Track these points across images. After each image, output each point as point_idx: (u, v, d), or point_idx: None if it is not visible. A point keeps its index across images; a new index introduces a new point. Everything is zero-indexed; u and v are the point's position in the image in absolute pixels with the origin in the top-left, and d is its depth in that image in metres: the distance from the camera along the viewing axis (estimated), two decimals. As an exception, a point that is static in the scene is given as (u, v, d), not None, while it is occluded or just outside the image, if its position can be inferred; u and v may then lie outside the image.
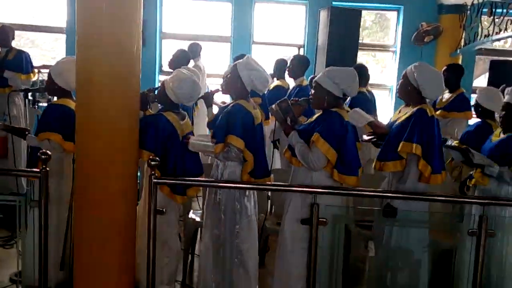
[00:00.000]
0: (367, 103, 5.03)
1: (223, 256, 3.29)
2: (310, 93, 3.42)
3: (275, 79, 6.05)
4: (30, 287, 3.00)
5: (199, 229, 3.72)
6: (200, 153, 3.62)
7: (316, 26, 6.97)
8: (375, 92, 6.28)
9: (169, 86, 3.42)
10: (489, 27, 6.14)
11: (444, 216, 3.61)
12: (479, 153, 3.27)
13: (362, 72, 5.04)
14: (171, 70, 4.97)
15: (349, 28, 6.49)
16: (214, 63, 7.72)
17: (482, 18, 6.54)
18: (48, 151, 2.81)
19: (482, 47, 7.10)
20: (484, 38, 6.29)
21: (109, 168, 2.84)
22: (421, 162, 3.16)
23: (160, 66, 7.91)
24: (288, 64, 5.76)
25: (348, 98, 4.90)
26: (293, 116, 3.33)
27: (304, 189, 3.10)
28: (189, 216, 3.95)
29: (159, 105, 3.72)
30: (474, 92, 6.84)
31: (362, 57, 8.51)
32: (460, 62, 7.07)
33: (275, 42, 8.17)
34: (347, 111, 3.34)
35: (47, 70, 3.74)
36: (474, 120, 4.43)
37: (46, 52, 8.91)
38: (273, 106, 3.34)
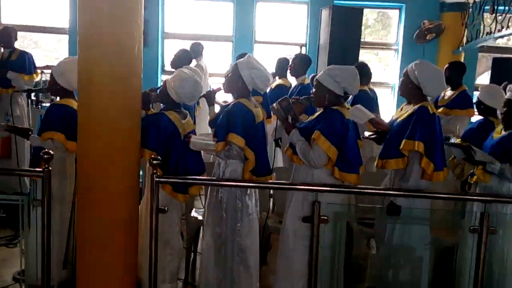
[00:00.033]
0: (369, 101, 5.04)
1: (224, 254, 3.30)
2: (311, 91, 3.43)
3: (277, 78, 6.06)
4: (33, 286, 3.01)
5: (201, 227, 3.73)
6: (202, 152, 3.63)
7: (318, 25, 6.98)
8: (377, 90, 6.27)
9: (170, 85, 3.43)
10: (491, 24, 6.13)
11: (446, 214, 3.61)
12: (481, 150, 3.28)
13: (364, 71, 5.04)
14: (173, 70, 4.97)
15: (351, 26, 6.49)
16: (216, 63, 7.73)
17: (484, 16, 6.54)
18: (50, 151, 2.83)
19: (484, 45, 7.10)
20: (486, 35, 6.29)
21: (111, 168, 2.85)
22: (424, 160, 3.16)
23: (163, 65, 7.94)
24: (290, 63, 5.77)
25: (350, 97, 4.94)
26: (294, 114, 3.34)
27: (306, 187, 3.10)
28: (191, 214, 3.96)
29: (161, 104, 3.74)
30: (477, 90, 6.83)
31: (365, 56, 8.51)
32: (462, 60, 7.06)
33: (277, 41, 8.18)
34: (348, 109, 3.34)
35: (50, 71, 3.76)
36: (476, 118, 4.42)
37: (49, 52, 8.95)
38: (274, 104, 3.35)
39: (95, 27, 2.77)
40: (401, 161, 3.26)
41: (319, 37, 6.86)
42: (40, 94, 5.53)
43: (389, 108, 7.81)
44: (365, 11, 7.19)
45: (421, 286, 3.21)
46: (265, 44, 8.09)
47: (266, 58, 7.40)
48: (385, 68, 8.77)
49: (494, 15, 6.03)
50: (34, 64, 5.61)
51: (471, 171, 3.41)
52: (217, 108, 3.74)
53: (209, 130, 3.84)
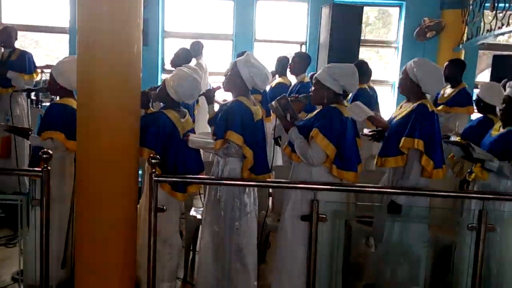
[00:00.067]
0: (368, 99, 5.03)
1: (222, 253, 3.30)
2: (310, 89, 3.43)
3: (277, 76, 6.06)
4: (32, 286, 3.01)
5: (200, 226, 3.74)
6: (202, 151, 3.63)
7: (318, 23, 6.97)
8: (377, 88, 6.28)
9: (170, 84, 3.43)
10: (491, 21, 6.11)
11: (445, 212, 3.61)
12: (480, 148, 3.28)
13: (363, 69, 5.04)
14: (173, 69, 4.98)
15: (351, 24, 6.48)
16: (217, 61, 7.73)
17: (484, 13, 6.51)
18: (49, 151, 2.83)
19: (485, 42, 7.08)
20: (487, 33, 6.27)
21: (110, 167, 2.85)
22: (424, 157, 3.17)
23: (163, 64, 7.94)
24: (290, 61, 5.78)
25: (350, 95, 4.93)
26: (293, 113, 3.34)
27: (305, 185, 3.10)
28: (190, 213, 3.96)
29: (161, 104, 3.74)
30: (477, 87, 6.81)
31: (366, 53, 8.51)
32: (462, 57, 7.05)
33: (277, 40, 8.18)
34: (346, 106, 3.34)
35: (50, 70, 3.76)
36: (476, 115, 4.41)
37: (50, 52, 8.96)
38: (273, 103, 3.35)
39: (95, 26, 2.77)
40: (400, 159, 3.27)
41: (319, 35, 6.86)
42: (40, 93, 5.54)
43: (389, 106, 7.80)
44: (366, 9, 7.19)
45: (420, 284, 3.21)
46: (265, 42, 8.09)
47: (266, 56, 7.41)
48: (386, 66, 8.76)
49: (494, 12, 6.01)
50: (34, 63, 5.61)
51: (469, 169, 3.41)
52: (216, 107, 3.75)
53: (208, 129, 3.84)
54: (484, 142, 3.37)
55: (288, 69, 5.86)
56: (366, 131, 3.77)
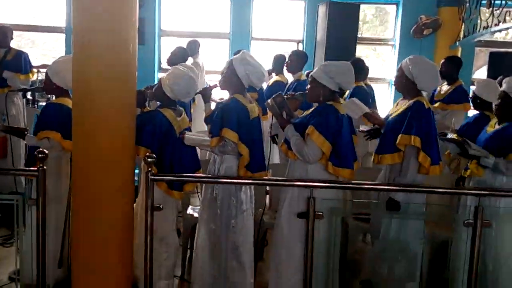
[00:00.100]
0: (365, 96, 5.04)
1: (219, 250, 3.31)
2: (306, 87, 3.43)
3: (273, 74, 6.07)
4: (29, 286, 3.01)
5: (197, 224, 3.74)
6: (198, 150, 3.63)
7: (315, 21, 6.97)
8: (374, 85, 6.29)
9: (166, 83, 3.43)
10: (488, 18, 6.12)
11: (442, 208, 3.62)
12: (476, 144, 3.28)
13: (359, 66, 5.05)
14: (170, 68, 4.98)
15: (348, 22, 6.48)
16: (213, 60, 7.73)
17: (481, 10, 6.52)
18: (45, 150, 2.82)
19: (481, 39, 7.08)
20: (483, 30, 6.27)
21: (106, 167, 2.84)
22: (421, 154, 3.17)
23: (159, 63, 7.94)
24: (287, 59, 5.78)
25: (347, 93, 4.94)
26: (289, 110, 3.34)
27: (302, 183, 3.10)
28: (187, 212, 3.96)
29: (157, 103, 3.74)
30: (473, 84, 6.83)
31: (363, 51, 8.51)
32: (459, 55, 7.06)
33: (274, 38, 8.18)
34: (342, 104, 3.34)
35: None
36: (472, 112, 4.42)
37: (47, 52, 8.95)
38: (269, 100, 3.35)
39: (90, 26, 2.76)
40: (397, 156, 3.28)
41: (316, 33, 6.86)
42: (36, 93, 5.54)
43: (386, 103, 7.81)
44: (363, 6, 7.20)
45: (416, 280, 3.22)
46: (262, 41, 8.09)
47: (263, 55, 7.41)
48: (383, 63, 8.76)
49: (491, 9, 6.02)
50: (30, 63, 5.60)
51: (466, 165, 3.41)
52: (213, 106, 3.75)
53: (205, 127, 3.85)
54: (479, 139, 3.38)
55: (284, 67, 5.85)
56: (363, 127, 3.78)
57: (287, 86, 5.64)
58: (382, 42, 8.51)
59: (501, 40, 8.57)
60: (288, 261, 3.18)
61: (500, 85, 3.77)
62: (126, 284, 3.02)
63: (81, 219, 2.92)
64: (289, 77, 5.89)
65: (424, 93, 3.51)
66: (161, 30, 7.94)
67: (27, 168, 3.43)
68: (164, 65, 7.20)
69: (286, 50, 6.50)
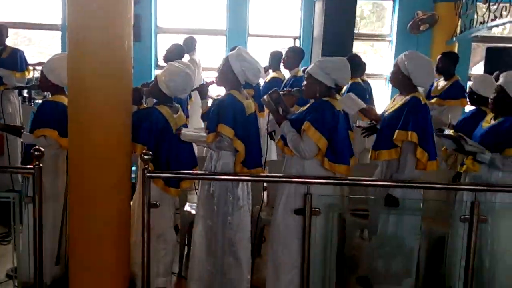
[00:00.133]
0: (362, 92, 5.03)
1: (215, 247, 3.31)
2: (302, 83, 3.43)
3: (270, 71, 6.06)
4: (26, 283, 3.01)
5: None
6: (196, 147, 3.63)
7: (311, 17, 6.95)
8: (372, 81, 6.28)
9: (161, 79, 3.43)
10: (484, 14, 6.12)
11: (442, 204, 3.63)
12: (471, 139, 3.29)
13: (355, 62, 5.03)
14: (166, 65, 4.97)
15: (345, 18, 6.44)
16: (210, 57, 7.71)
17: (477, 5, 6.52)
18: (41, 148, 2.82)
19: (478, 35, 7.08)
20: (480, 25, 6.27)
21: (102, 164, 2.85)
22: (419, 150, 3.18)
23: (156, 60, 7.92)
24: (284, 56, 5.77)
25: (344, 89, 4.94)
26: (285, 106, 3.34)
27: (299, 179, 3.10)
28: (185, 208, 3.96)
29: (154, 100, 3.73)
30: (470, 80, 6.83)
31: (361, 47, 8.51)
32: (456, 50, 7.06)
33: (271, 35, 8.17)
34: (338, 99, 3.34)
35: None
36: (470, 108, 4.42)
37: (43, 49, 8.92)
38: (265, 97, 3.35)
39: (84, 23, 2.76)
40: (393, 152, 3.29)
41: (313, 29, 6.84)
42: (33, 91, 5.52)
43: (383, 99, 7.81)
44: (360, 2, 7.18)
45: (413, 276, 3.23)
46: (259, 37, 8.08)
47: (260, 51, 7.39)
48: (381, 59, 8.76)
49: (487, 4, 6.02)
50: (26, 61, 5.57)
51: (462, 160, 3.42)
52: (210, 102, 3.74)
53: (202, 124, 3.84)
54: (475, 134, 3.38)
55: (281, 63, 5.84)
56: (360, 123, 3.78)
57: (284, 82, 5.63)
58: (379, 38, 8.51)
59: (499, 35, 8.57)
60: (285, 258, 3.18)
61: (497, 81, 3.78)
62: (123, 281, 3.03)
63: (77, 217, 2.92)
64: (286, 74, 5.88)
65: (420, 89, 3.51)
66: (157, 27, 7.93)
67: (23, 166, 3.42)
68: (161, 62, 7.19)
69: (283, 46, 6.50)
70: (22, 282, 3.01)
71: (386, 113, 3.46)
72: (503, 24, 6.14)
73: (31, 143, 3.39)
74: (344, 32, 6.41)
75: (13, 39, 7.13)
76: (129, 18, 2.86)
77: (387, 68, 8.07)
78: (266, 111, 4.46)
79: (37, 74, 5.83)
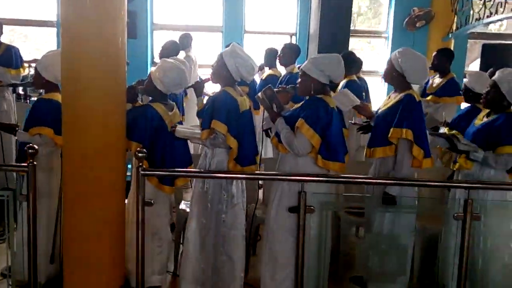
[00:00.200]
0: (358, 90, 5.03)
1: (209, 245, 3.30)
2: (297, 81, 3.42)
3: (267, 68, 6.05)
4: (21, 282, 3.00)
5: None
6: (191, 144, 3.62)
7: (308, 14, 6.93)
8: (368, 78, 6.28)
9: (155, 76, 3.42)
10: (480, 10, 6.12)
11: (436, 202, 3.63)
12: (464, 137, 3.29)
13: (350, 59, 5.04)
14: (162, 62, 4.95)
15: (341, 15, 6.43)
16: (206, 54, 7.70)
17: (473, 2, 6.51)
18: (35, 146, 2.81)
19: (475, 31, 7.09)
20: (476, 21, 6.27)
21: (97, 162, 2.84)
22: (414, 147, 3.18)
23: (152, 57, 7.90)
24: (279, 52, 5.76)
25: (339, 87, 4.93)
26: (279, 103, 3.33)
27: (293, 177, 3.09)
28: (180, 207, 3.96)
29: (150, 98, 3.72)
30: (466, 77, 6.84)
31: (358, 44, 8.50)
32: (452, 47, 7.06)
33: (267, 31, 8.15)
34: (333, 96, 3.34)
35: (37, 64, 3.72)
36: (465, 105, 4.42)
37: (40, 46, 8.89)
38: (259, 94, 3.35)
39: (78, 19, 2.75)
40: (388, 149, 3.29)
41: (309, 26, 6.83)
42: (29, 88, 5.49)
43: (380, 96, 7.80)
44: (357, -1, 7.17)
45: (407, 274, 3.23)
46: (255, 34, 8.07)
47: (257, 48, 7.39)
48: (377, 56, 8.76)
49: (483, 1, 6.02)
50: (21, 58, 5.54)
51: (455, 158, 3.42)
52: (205, 99, 3.73)
53: (197, 121, 3.83)
54: (467, 132, 3.38)
55: (277, 60, 5.84)
56: (356, 120, 3.77)
57: (279, 79, 5.63)
58: (376, 35, 8.50)
59: (495, 32, 8.57)
60: (279, 256, 3.18)
61: (491, 77, 3.78)
62: (118, 280, 3.03)
63: (72, 215, 2.92)
64: (282, 70, 5.87)
65: (416, 87, 3.51)
66: (153, 24, 7.91)
67: (17, 164, 3.41)
68: (157, 59, 7.17)
69: (280, 43, 6.48)
70: (16, 281, 3.00)
71: (380, 110, 3.45)
72: (499, 20, 6.14)
73: (26, 141, 3.38)
74: (340, 29, 6.41)
75: (10, 36, 7.10)
76: (123, 14, 2.86)
77: (383, 65, 8.06)
78: (262, 109, 4.46)
79: (33, 71, 5.79)
